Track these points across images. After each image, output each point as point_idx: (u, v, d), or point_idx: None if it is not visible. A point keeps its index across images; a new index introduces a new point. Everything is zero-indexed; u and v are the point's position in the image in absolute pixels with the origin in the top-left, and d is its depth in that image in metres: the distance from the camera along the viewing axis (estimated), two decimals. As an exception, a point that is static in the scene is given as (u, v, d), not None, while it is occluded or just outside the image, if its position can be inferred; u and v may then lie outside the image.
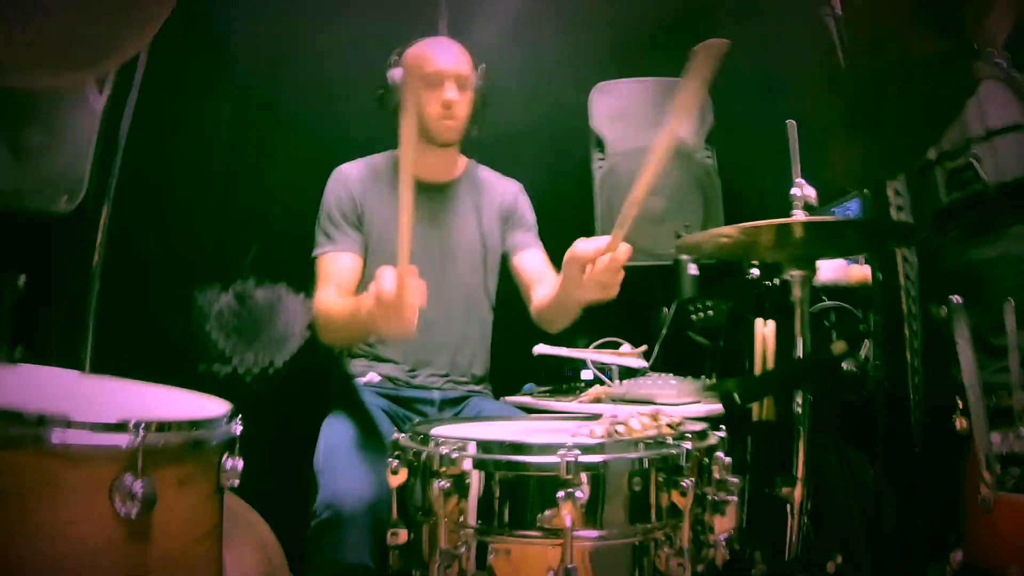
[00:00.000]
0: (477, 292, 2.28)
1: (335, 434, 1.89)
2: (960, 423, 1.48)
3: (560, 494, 1.14)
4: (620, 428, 1.33)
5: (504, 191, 2.36)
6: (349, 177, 2.21)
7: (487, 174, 2.37)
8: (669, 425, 1.35)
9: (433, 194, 2.24)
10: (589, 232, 2.87)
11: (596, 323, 2.73)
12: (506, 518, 1.21)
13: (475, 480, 1.22)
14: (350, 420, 1.96)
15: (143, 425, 1.03)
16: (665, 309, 2.62)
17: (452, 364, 2.21)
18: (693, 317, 2.45)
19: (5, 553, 0.95)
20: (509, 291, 2.32)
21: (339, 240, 2.14)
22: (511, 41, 2.95)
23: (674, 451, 1.25)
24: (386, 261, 2.11)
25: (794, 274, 1.77)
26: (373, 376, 2.13)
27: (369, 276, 2.11)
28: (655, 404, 2.01)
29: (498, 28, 2.98)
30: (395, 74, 2.17)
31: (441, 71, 2.11)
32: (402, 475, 1.34)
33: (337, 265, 2.12)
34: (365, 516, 1.58)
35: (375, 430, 1.90)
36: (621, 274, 1.60)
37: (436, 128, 2.14)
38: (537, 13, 3.06)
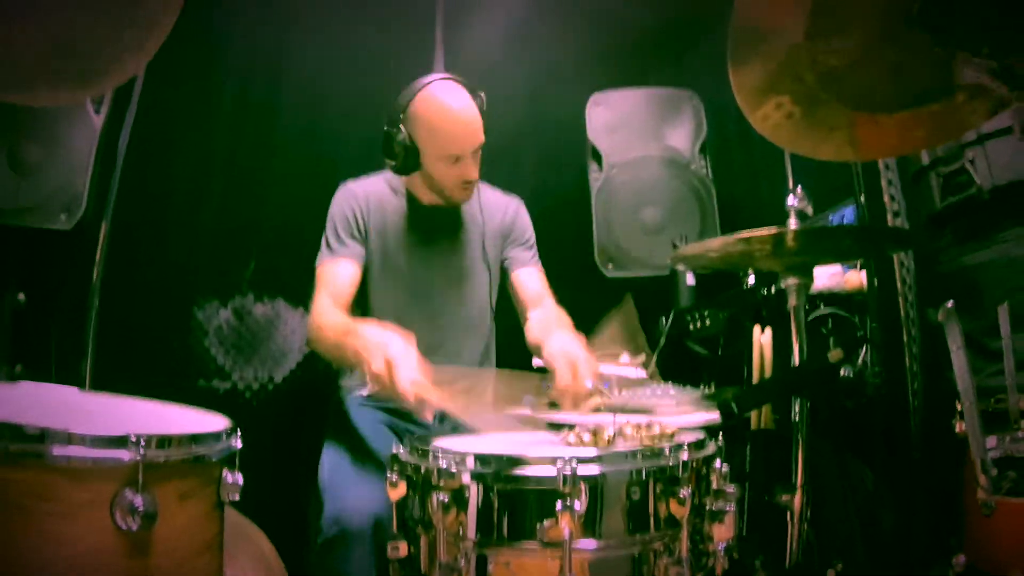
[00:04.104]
0: (481, 310, 2.29)
1: (339, 450, 1.89)
2: (960, 427, 1.49)
3: (558, 505, 1.15)
4: (586, 436, 1.35)
5: (505, 209, 2.37)
6: (356, 194, 2.21)
7: (488, 193, 2.37)
8: (652, 437, 1.35)
9: (437, 216, 2.26)
10: (587, 242, 2.90)
11: (595, 334, 2.73)
12: (505, 530, 1.21)
13: (474, 493, 1.23)
14: (353, 436, 1.96)
15: (144, 440, 1.04)
16: (663, 319, 2.62)
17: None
18: (691, 326, 2.46)
19: (6, 567, 0.96)
20: (509, 303, 2.33)
21: (339, 250, 2.14)
22: (508, 51, 2.96)
23: (671, 461, 1.25)
24: (388, 284, 2.13)
25: (790, 282, 1.78)
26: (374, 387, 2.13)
27: (372, 297, 2.15)
28: (653, 414, 2.01)
29: (494, 37, 2.99)
30: (404, 134, 2.08)
31: (462, 152, 2.07)
32: (401, 489, 1.34)
33: (334, 273, 2.11)
34: (371, 532, 1.58)
35: (378, 444, 1.90)
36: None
37: (453, 194, 2.15)
38: (533, 22, 3.07)
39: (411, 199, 2.25)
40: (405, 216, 2.23)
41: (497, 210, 2.36)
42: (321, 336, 2.00)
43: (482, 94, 2.12)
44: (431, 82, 2.09)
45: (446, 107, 2.06)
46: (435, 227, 2.25)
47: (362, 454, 1.83)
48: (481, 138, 2.10)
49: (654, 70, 3.53)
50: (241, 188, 2.96)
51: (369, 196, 2.21)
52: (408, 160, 2.09)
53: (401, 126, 2.07)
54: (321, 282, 2.12)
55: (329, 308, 2.05)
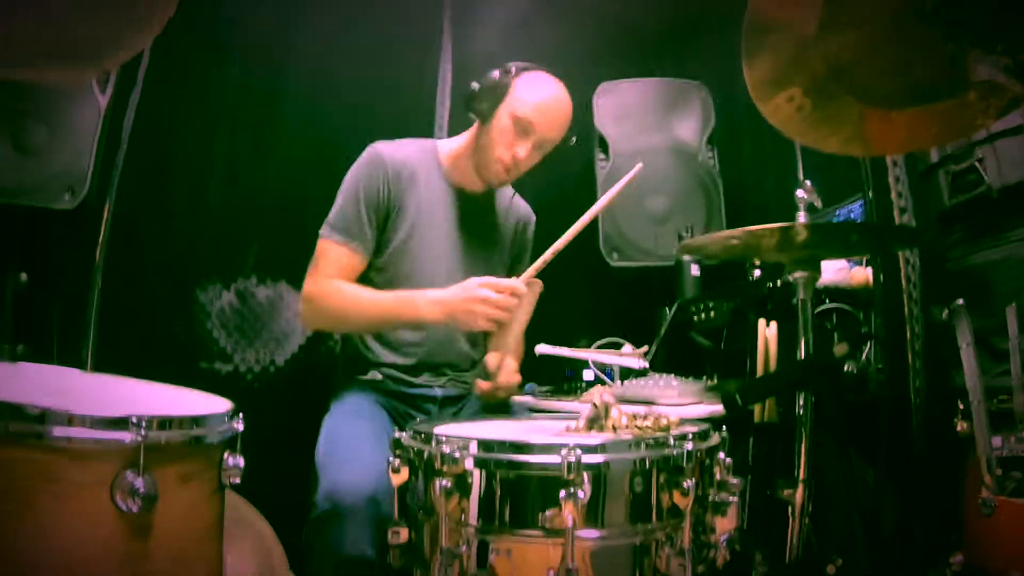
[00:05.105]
0: None
1: (337, 427, 1.89)
2: (961, 426, 1.49)
3: (562, 494, 1.14)
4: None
5: (527, 217, 2.40)
6: (386, 166, 2.12)
7: (508, 190, 2.38)
8: (646, 428, 1.35)
9: (471, 201, 2.24)
10: (592, 230, 2.89)
11: (598, 323, 2.73)
12: (507, 517, 1.21)
13: (476, 479, 1.22)
14: (352, 414, 1.96)
15: (145, 422, 1.03)
16: (667, 309, 2.62)
17: (458, 363, 2.21)
18: (695, 318, 2.45)
19: (6, 548, 0.95)
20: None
21: (356, 236, 2.08)
22: (515, 39, 2.95)
23: (675, 451, 1.25)
24: (410, 259, 2.12)
25: (797, 276, 1.77)
26: (375, 374, 2.13)
27: (394, 267, 2.12)
28: (656, 404, 2.01)
29: (502, 25, 2.98)
30: (500, 87, 2.08)
31: (532, 127, 2.06)
32: (404, 474, 1.34)
33: (343, 256, 2.08)
34: (365, 508, 1.57)
35: (377, 423, 1.90)
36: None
37: (490, 170, 2.12)
38: (541, 11, 3.06)
39: (447, 177, 2.23)
40: (443, 195, 2.21)
41: (519, 213, 2.38)
42: (358, 303, 2.04)
43: (575, 137, 2.17)
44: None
45: (557, 85, 2.12)
46: (471, 215, 2.24)
47: (359, 433, 1.83)
48: (554, 138, 2.11)
49: (662, 60, 3.52)
50: (245, 170, 2.96)
51: (401, 167, 2.14)
52: (488, 101, 2.09)
53: (511, 71, 2.09)
54: (330, 262, 2.08)
55: (350, 286, 2.06)
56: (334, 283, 2.05)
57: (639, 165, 1.97)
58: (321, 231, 2.10)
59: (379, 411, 2.01)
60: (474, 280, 1.90)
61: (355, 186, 2.11)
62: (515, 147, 2.06)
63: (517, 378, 2.06)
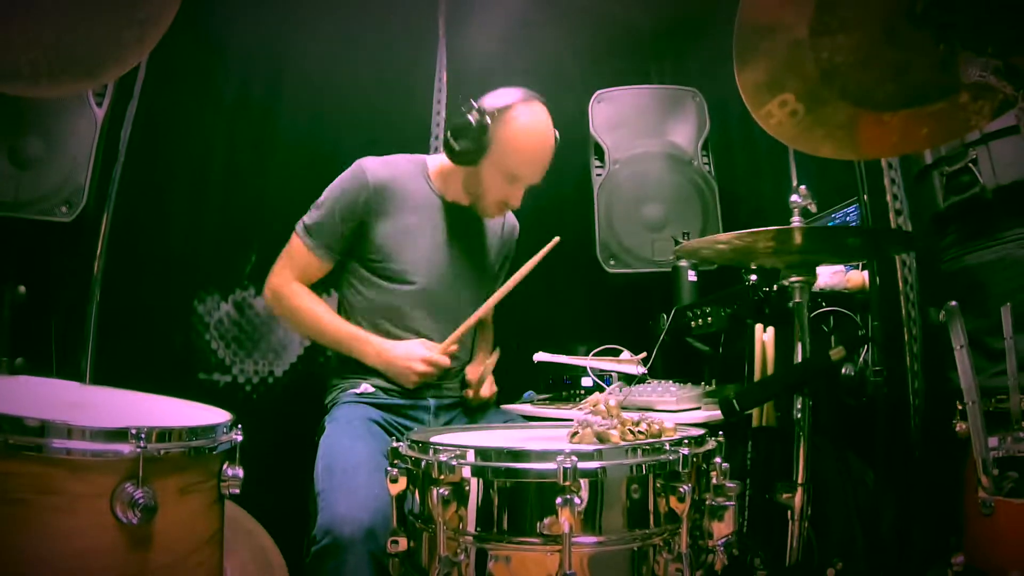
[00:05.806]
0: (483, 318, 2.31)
1: (333, 452, 1.87)
2: (960, 427, 1.48)
3: (558, 500, 1.14)
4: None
5: (514, 225, 2.47)
6: (372, 180, 2.14)
7: None
8: (641, 433, 1.35)
9: (459, 212, 2.26)
10: (589, 237, 2.90)
11: (595, 330, 2.74)
12: (505, 525, 1.21)
13: (474, 487, 1.22)
14: (347, 436, 1.94)
15: (144, 433, 1.04)
16: (664, 316, 2.62)
17: (452, 373, 2.22)
18: (692, 323, 2.45)
19: (7, 560, 0.96)
20: (508, 299, 2.33)
21: (327, 240, 2.16)
22: (510, 47, 2.96)
23: (671, 457, 1.25)
24: (390, 270, 2.12)
25: (793, 280, 1.78)
26: (366, 387, 2.13)
27: (387, 263, 2.15)
28: (654, 411, 2.01)
29: (497, 33, 2.99)
30: (486, 130, 2.05)
31: (521, 177, 2.11)
32: (401, 483, 1.34)
33: (310, 261, 2.18)
34: (363, 541, 1.57)
35: (372, 445, 1.88)
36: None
37: (487, 207, 2.19)
38: (536, 18, 3.07)
39: (436, 190, 2.25)
40: (432, 205, 2.23)
41: (509, 226, 2.44)
42: (299, 315, 2.18)
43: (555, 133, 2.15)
44: (535, 100, 2.11)
45: (542, 131, 2.10)
46: (460, 226, 2.26)
47: (355, 460, 1.81)
48: (541, 176, 2.15)
49: (657, 67, 3.53)
50: (242, 181, 2.97)
51: (388, 181, 2.17)
52: (471, 152, 2.07)
53: (488, 120, 2.05)
54: (297, 258, 2.19)
55: (309, 295, 2.19)
56: (295, 287, 2.18)
57: (556, 239, 2.11)
58: (297, 227, 2.20)
59: (374, 430, 1.99)
60: (418, 350, 2.08)
61: (334, 196, 2.16)
62: (509, 194, 2.14)
63: (494, 388, 2.27)
